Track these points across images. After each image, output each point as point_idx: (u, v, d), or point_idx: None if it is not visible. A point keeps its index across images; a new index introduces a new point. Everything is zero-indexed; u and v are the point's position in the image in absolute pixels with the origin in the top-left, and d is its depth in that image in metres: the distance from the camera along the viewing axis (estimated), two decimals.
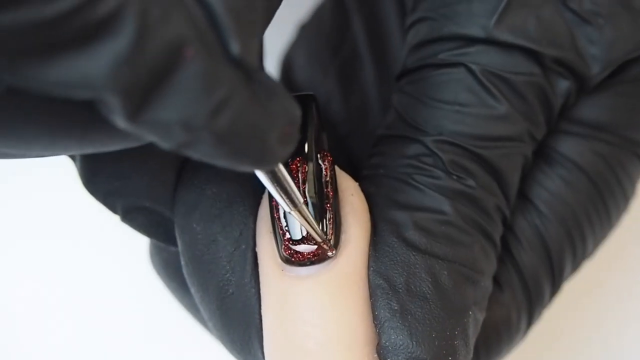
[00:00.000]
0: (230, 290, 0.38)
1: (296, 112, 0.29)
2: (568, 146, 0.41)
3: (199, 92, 0.25)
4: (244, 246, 0.38)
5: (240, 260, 0.38)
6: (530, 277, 0.40)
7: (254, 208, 0.38)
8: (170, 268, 0.42)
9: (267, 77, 0.28)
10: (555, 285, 0.41)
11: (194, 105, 0.25)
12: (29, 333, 0.51)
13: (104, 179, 0.37)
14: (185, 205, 0.38)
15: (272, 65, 0.53)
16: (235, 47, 0.26)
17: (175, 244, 0.39)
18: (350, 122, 0.47)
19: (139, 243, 0.40)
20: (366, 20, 0.48)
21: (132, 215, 0.38)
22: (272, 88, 0.28)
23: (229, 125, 0.26)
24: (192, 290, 0.39)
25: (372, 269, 0.37)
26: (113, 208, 0.38)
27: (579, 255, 0.42)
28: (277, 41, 0.53)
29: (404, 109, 0.39)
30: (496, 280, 0.40)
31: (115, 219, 0.39)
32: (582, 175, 0.40)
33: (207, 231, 0.38)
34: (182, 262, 0.39)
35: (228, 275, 0.38)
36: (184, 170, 0.39)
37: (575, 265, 0.42)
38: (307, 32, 0.51)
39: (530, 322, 0.41)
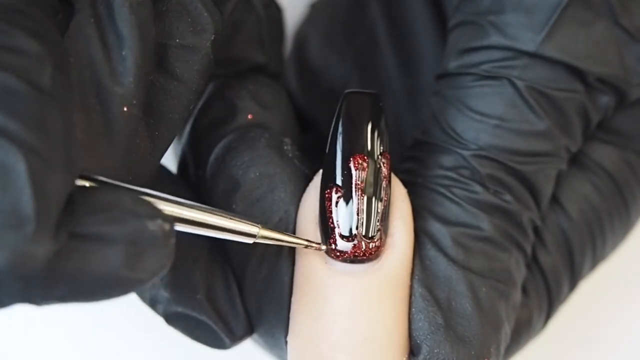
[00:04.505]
0: (262, 274, 0.38)
1: (134, 229, 0.29)
2: (601, 154, 0.41)
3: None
4: None
5: (275, 246, 0.38)
6: (552, 279, 0.41)
7: (295, 195, 0.38)
8: None
9: (81, 231, 0.29)
10: (573, 283, 0.43)
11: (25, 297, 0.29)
12: (28, 332, 0.50)
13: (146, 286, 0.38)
14: (225, 184, 0.39)
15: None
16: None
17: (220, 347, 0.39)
18: None
19: None
20: (385, 6, 0.47)
21: (172, 320, 0.39)
22: (90, 241, 0.29)
23: (64, 295, 0.29)
24: None
25: (416, 277, 0.37)
26: (158, 312, 0.39)
27: (598, 256, 0.43)
28: (289, 19, 0.52)
29: (442, 115, 0.39)
30: (522, 285, 0.40)
31: None
32: (611, 183, 0.41)
33: (245, 214, 0.38)
34: None
35: (261, 259, 0.38)
36: (224, 149, 0.39)
37: (593, 265, 0.43)
38: (321, 11, 0.50)
39: (547, 320, 0.43)
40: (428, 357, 0.36)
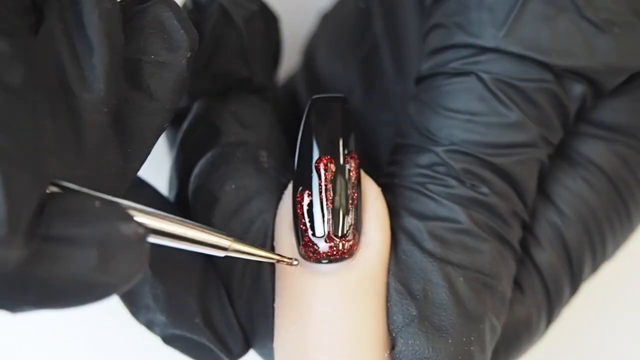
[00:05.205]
0: (247, 285, 0.39)
1: (105, 231, 0.29)
2: (589, 148, 0.40)
3: None
4: (259, 242, 0.39)
5: None
6: (550, 277, 0.40)
7: (272, 202, 0.39)
8: None
9: (53, 237, 0.29)
10: (575, 285, 0.41)
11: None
12: (25, 331, 0.51)
13: (141, 310, 0.39)
14: (205, 199, 0.39)
15: (294, 52, 0.53)
16: None
17: None
18: (371, 116, 0.47)
19: None
20: (385, 16, 0.48)
21: (170, 341, 0.39)
22: (60, 245, 0.29)
23: (37, 300, 0.29)
24: None
25: (391, 272, 0.37)
26: (155, 333, 0.39)
27: (598, 256, 0.41)
28: (300, 29, 0.53)
29: (418, 117, 0.39)
30: (517, 282, 0.40)
31: None
32: (603, 177, 0.40)
33: (224, 228, 0.39)
34: None
35: (244, 270, 0.39)
36: (203, 167, 0.40)
37: (595, 266, 0.42)
38: (330, 23, 0.51)
39: (549, 322, 0.42)
40: (403, 349, 0.36)
